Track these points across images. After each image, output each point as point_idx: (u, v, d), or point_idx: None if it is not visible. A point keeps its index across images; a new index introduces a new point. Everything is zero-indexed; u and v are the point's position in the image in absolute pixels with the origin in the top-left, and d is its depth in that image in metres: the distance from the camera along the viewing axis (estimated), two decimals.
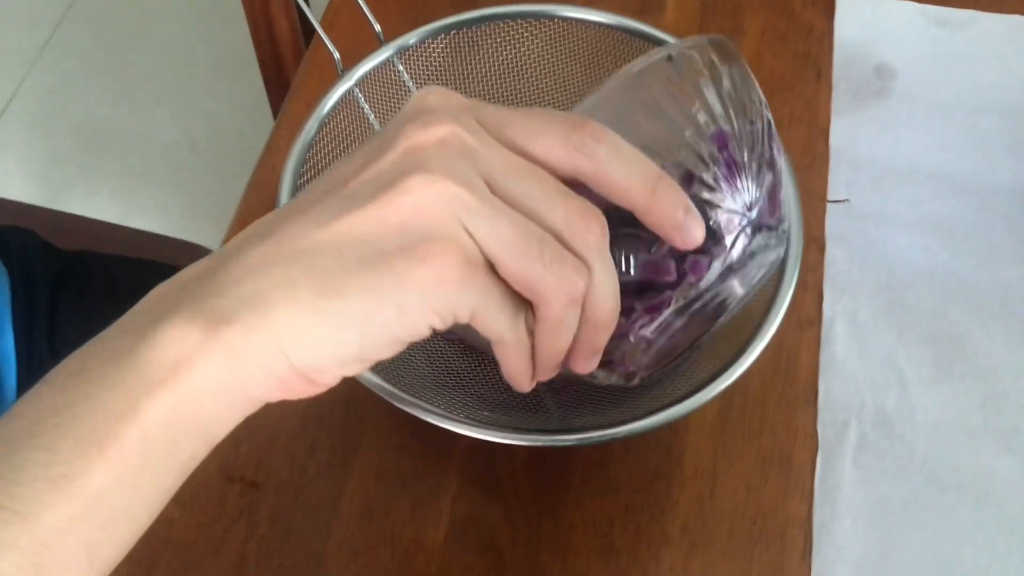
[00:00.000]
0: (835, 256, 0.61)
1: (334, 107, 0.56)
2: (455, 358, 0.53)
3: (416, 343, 0.52)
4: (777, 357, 0.57)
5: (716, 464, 0.53)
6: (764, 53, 0.70)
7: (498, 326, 0.33)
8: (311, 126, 0.55)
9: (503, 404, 0.50)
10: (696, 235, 0.36)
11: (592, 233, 0.33)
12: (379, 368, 0.47)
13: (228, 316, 0.31)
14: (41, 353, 0.74)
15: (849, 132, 0.66)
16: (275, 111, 1.13)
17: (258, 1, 0.86)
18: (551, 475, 0.52)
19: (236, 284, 0.32)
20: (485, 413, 0.48)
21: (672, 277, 0.41)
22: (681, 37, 0.55)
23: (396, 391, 0.46)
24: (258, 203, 0.63)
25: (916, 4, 0.73)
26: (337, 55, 0.55)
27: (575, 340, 0.35)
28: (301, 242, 0.32)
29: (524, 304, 0.33)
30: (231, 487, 0.51)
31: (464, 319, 0.32)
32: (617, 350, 0.42)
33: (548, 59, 0.60)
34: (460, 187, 0.31)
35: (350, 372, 0.33)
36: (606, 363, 0.42)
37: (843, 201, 0.63)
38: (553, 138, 0.34)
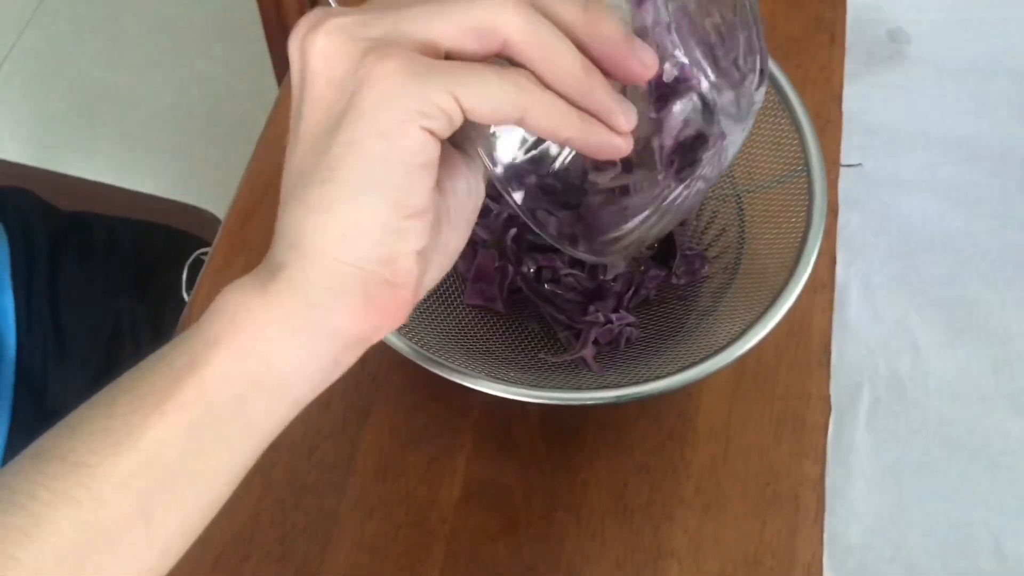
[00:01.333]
0: (848, 220, 0.60)
1: None
2: (478, 322, 0.53)
3: (446, 313, 0.52)
4: (791, 320, 0.56)
5: (729, 426, 0.53)
6: (777, 15, 0.70)
7: (496, 93, 0.29)
8: None
9: (525, 366, 0.49)
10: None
11: None
12: (403, 329, 0.47)
13: (280, 263, 0.30)
14: (41, 312, 0.73)
15: (862, 96, 0.66)
16: (279, 76, 1.12)
17: None
18: (565, 435, 0.52)
19: (277, 239, 0.31)
20: (511, 373, 0.48)
21: None
22: None
23: (419, 349, 0.46)
24: (268, 167, 0.62)
25: None
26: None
27: (596, 49, 0.30)
28: (291, 171, 0.31)
29: (504, 63, 0.30)
30: None
31: (456, 112, 0.29)
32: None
33: None
34: (342, 18, 0.29)
35: (413, 240, 0.30)
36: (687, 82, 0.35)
37: (856, 165, 0.63)
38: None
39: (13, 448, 0.71)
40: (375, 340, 0.31)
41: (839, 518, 0.51)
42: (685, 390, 0.53)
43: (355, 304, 0.30)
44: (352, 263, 0.29)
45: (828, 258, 0.59)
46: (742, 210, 0.56)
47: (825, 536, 0.50)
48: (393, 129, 0.28)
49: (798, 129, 0.52)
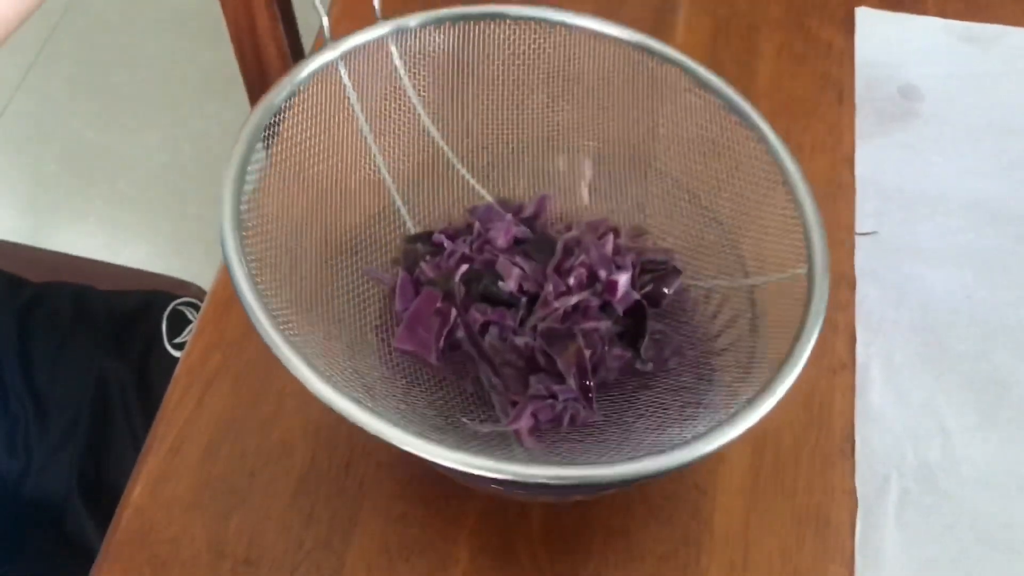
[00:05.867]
0: (866, 294, 0.57)
1: (312, 75, 0.49)
2: (404, 372, 0.48)
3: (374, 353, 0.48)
4: (809, 406, 0.52)
5: (748, 527, 0.49)
6: (782, 75, 0.66)
7: None
8: (281, 90, 0.48)
9: (445, 430, 0.45)
10: None
11: None
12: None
13: None
14: (16, 384, 0.71)
15: (875, 158, 0.62)
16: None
17: (245, 27, 0.82)
18: (569, 542, 0.48)
19: None
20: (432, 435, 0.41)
21: None
22: (695, 58, 0.52)
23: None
24: None
25: (940, 20, 0.69)
26: (326, 20, 0.49)
27: None
28: None
29: None
30: (221, 565, 0.47)
31: None
32: None
33: (552, 67, 0.54)
34: None
35: None
36: None
37: (872, 233, 0.59)
38: None
39: None
40: None
41: None
42: (698, 487, 0.50)
43: None
44: None
45: (847, 336, 0.55)
46: (754, 302, 0.51)
47: None
48: None
49: (803, 224, 0.47)
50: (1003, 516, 0.49)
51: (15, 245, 0.92)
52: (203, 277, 0.89)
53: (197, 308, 0.78)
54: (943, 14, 0.70)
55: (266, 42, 0.82)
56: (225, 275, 0.57)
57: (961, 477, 0.51)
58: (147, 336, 0.76)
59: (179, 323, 0.77)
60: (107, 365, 0.73)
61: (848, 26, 0.69)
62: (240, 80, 1.01)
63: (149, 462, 0.50)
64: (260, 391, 0.53)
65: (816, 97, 0.65)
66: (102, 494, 0.69)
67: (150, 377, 0.73)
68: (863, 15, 0.69)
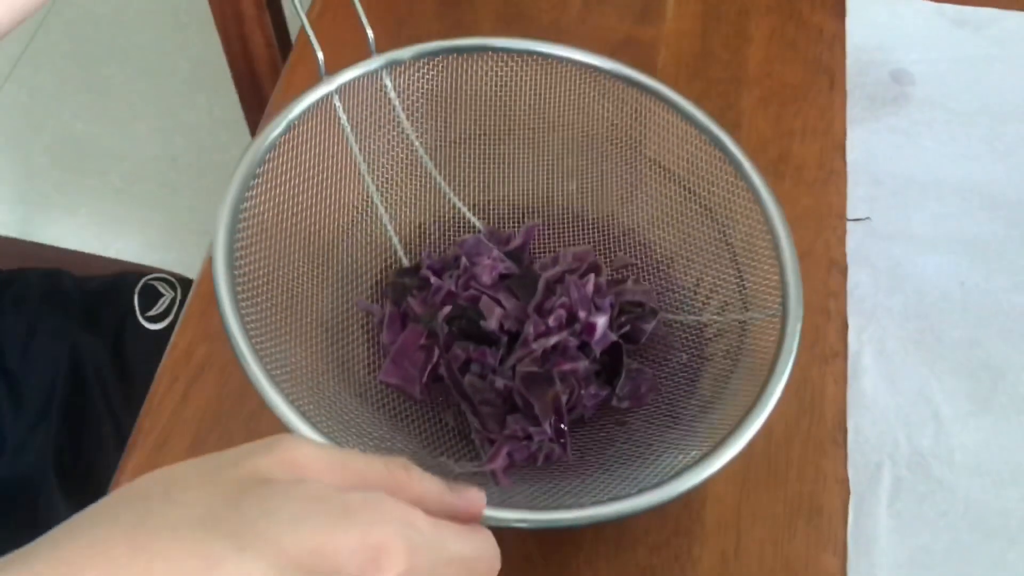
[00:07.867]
0: (858, 280, 0.56)
1: (307, 110, 0.50)
2: (388, 404, 0.49)
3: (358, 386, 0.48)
4: (801, 394, 0.52)
5: (740, 517, 0.48)
6: (773, 60, 0.66)
7: None
8: (277, 124, 0.49)
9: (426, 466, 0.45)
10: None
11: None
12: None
13: None
14: None
15: (867, 143, 0.62)
16: (253, 129, 1.08)
17: (231, 15, 0.81)
18: (560, 533, 0.48)
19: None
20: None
21: None
22: (673, 90, 0.52)
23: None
24: None
25: (933, 3, 0.68)
26: (321, 55, 0.50)
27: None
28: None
29: None
30: None
31: None
32: None
33: (538, 96, 0.56)
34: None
35: None
36: None
37: (864, 219, 0.59)
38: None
39: None
40: None
41: None
42: None
43: None
44: None
45: (838, 322, 0.55)
46: (744, 286, 0.51)
47: None
48: None
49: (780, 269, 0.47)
50: (996, 503, 0.49)
51: (9, 240, 0.91)
52: (194, 269, 0.88)
53: (169, 283, 0.77)
54: None
55: (252, 30, 0.81)
56: (211, 268, 0.57)
57: (954, 464, 0.50)
58: (120, 311, 0.74)
59: (152, 297, 0.76)
60: (80, 341, 0.72)
61: (839, 10, 0.68)
62: (228, 72, 1.00)
63: (134, 457, 0.50)
64: (246, 383, 0.51)
65: (807, 82, 0.65)
66: (78, 472, 0.68)
67: (125, 351, 0.72)
68: None
